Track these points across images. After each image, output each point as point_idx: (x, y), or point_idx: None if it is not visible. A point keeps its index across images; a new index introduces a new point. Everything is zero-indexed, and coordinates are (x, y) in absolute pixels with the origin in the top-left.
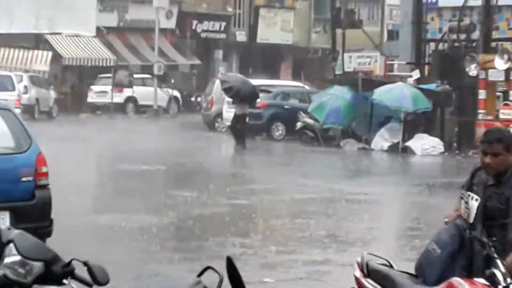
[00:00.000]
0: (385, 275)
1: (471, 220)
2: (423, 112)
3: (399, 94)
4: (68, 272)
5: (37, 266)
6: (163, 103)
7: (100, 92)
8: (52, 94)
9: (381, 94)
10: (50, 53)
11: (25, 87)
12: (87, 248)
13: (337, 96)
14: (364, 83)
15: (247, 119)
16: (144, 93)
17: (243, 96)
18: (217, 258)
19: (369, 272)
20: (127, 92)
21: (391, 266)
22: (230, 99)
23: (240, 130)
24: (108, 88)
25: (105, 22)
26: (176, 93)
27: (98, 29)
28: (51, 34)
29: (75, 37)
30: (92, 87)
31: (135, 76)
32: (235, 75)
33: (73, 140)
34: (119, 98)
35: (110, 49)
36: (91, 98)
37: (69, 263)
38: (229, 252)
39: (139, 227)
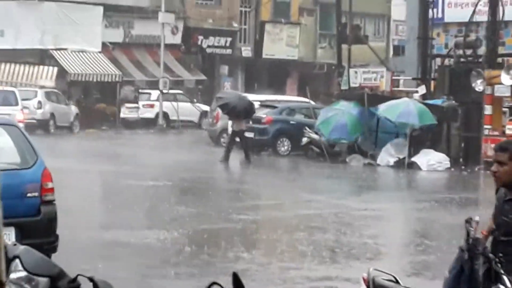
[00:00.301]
0: None
1: (476, 235)
2: (429, 128)
3: (404, 110)
4: (74, 287)
5: (43, 282)
6: (195, 118)
7: (132, 107)
8: (73, 109)
9: (386, 110)
10: (56, 69)
11: (39, 102)
12: (92, 264)
13: (343, 111)
14: (370, 99)
15: (246, 134)
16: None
17: (238, 112)
18: (222, 273)
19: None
20: (157, 107)
21: (397, 282)
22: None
23: (243, 146)
24: (141, 103)
25: (111, 38)
26: (206, 107)
27: (103, 44)
28: (56, 49)
29: (80, 52)
30: (126, 103)
31: (169, 91)
32: (231, 92)
33: (76, 156)
34: (150, 113)
35: (116, 65)
36: (123, 113)
37: (75, 279)
38: (234, 268)
39: (144, 243)
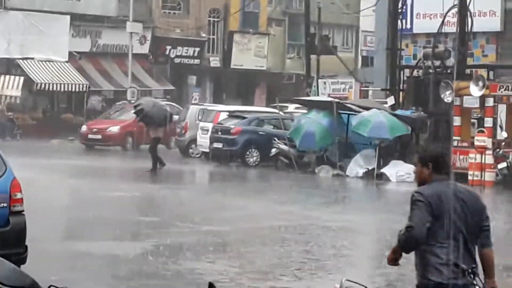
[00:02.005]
0: None
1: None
2: (399, 138)
3: (375, 124)
4: None
5: None
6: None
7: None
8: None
9: (358, 125)
10: (22, 78)
11: None
12: (62, 275)
13: (313, 120)
14: (338, 108)
15: (159, 142)
16: None
17: (151, 119)
18: (193, 285)
19: None
20: None
21: None
22: (204, 125)
23: (153, 153)
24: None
25: (78, 47)
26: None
27: (70, 54)
28: (23, 59)
29: (47, 62)
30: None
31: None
32: (148, 99)
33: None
34: None
35: (83, 74)
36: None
37: None
38: (205, 279)
39: (113, 254)
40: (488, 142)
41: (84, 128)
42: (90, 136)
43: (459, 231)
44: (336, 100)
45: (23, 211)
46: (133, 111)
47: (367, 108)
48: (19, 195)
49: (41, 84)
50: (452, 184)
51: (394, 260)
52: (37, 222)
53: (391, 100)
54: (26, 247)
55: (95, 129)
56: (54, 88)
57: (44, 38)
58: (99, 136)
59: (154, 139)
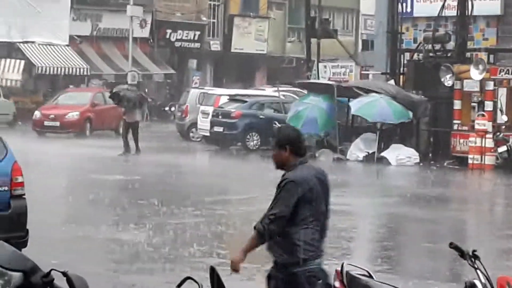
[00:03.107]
0: (365, 286)
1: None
2: (399, 122)
3: (379, 108)
4: (48, 282)
5: (16, 276)
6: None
7: None
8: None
9: (361, 109)
10: (23, 62)
11: None
12: (63, 259)
13: (313, 105)
14: (339, 91)
15: (136, 126)
16: None
17: (129, 102)
18: (195, 268)
19: (348, 282)
20: None
21: (370, 276)
22: (204, 109)
23: (134, 137)
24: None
25: (78, 31)
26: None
27: (71, 38)
28: (23, 42)
29: (48, 45)
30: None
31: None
32: (124, 86)
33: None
34: None
35: (83, 58)
36: None
37: (49, 273)
38: (207, 263)
39: (116, 238)
40: (488, 126)
41: (37, 114)
42: (46, 123)
43: (321, 212)
44: (336, 83)
45: (24, 194)
46: (109, 96)
47: (368, 90)
48: (20, 179)
49: (41, 67)
50: (312, 166)
51: (240, 262)
52: (37, 206)
53: (391, 84)
54: (27, 230)
55: (52, 116)
56: (55, 72)
57: (45, 22)
58: (57, 123)
59: (130, 124)
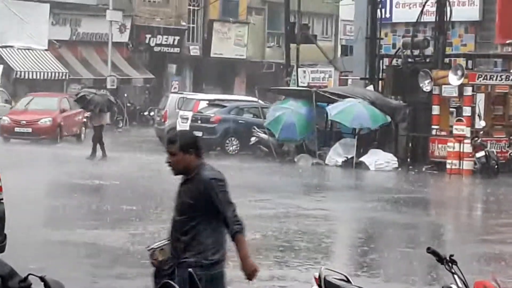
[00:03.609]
0: None
1: None
2: (378, 127)
3: (356, 114)
4: (25, 287)
5: None
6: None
7: None
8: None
9: (339, 115)
10: (1, 66)
11: None
12: (41, 264)
13: (292, 110)
14: (318, 97)
15: (103, 130)
16: None
17: (96, 106)
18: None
19: (326, 287)
20: None
21: (348, 281)
22: (184, 113)
23: (99, 140)
24: None
25: (58, 36)
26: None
27: (50, 42)
28: (2, 47)
29: (27, 50)
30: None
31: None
32: (91, 90)
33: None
34: None
35: (62, 63)
36: None
37: (26, 278)
38: None
39: (93, 243)
40: (466, 131)
41: (6, 120)
42: (17, 129)
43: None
44: (315, 89)
45: (2, 199)
46: (75, 99)
47: (346, 96)
48: None
49: (20, 72)
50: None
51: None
52: (15, 210)
53: (370, 89)
54: (5, 235)
55: (23, 122)
56: (34, 77)
57: (24, 26)
58: (29, 129)
59: (98, 127)
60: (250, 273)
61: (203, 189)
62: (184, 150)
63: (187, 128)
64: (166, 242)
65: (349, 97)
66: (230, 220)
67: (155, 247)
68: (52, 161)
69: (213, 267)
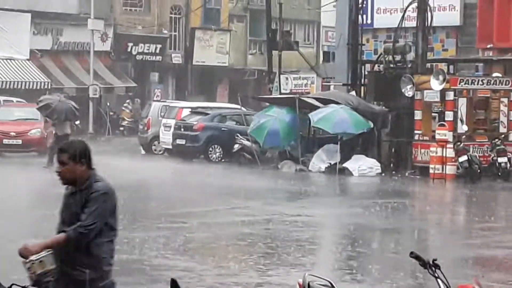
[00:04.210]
0: None
1: None
2: (360, 133)
3: (338, 119)
4: None
5: None
6: None
7: None
8: None
9: (321, 121)
10: None
11: None
12: (23, 274)
13: (276, 118)
14: (301, 104)
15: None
16: None
17: (58, 115)
18: (156, 281)
19: None
20: None
21: (332, 287)
22: (167, 121)
23: (54, 148)
24: None
25: (39, 45)
26: None
27: (32, 52)
28: None
29: (8, 60)
30: None
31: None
32: (54, 96)
33: None
34: None
35: (45, 72)
36: None
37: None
38: (169, 276)
39: None
40: (449, 136)
41: None
42: (6, 141)
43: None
44: (297, 96)
45: None
46: (37, 107)
47: (329, 101)
48: None
49: (2, 82)
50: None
51: (32, 253)
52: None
53: (353, 95)
54: None
55: (12, 133)
56: (15, 86)
57: (5, 36)
58: (19, 141)
59: (60, 137)
60: (22, 250)
61: (88, 199)
62: (75, 160)
63: (170, 136)
64: (45, 254)
65: (331, 102)
66: (78, 226)
67: (34, 259)
68: (29, 170)
69: (105, 278)
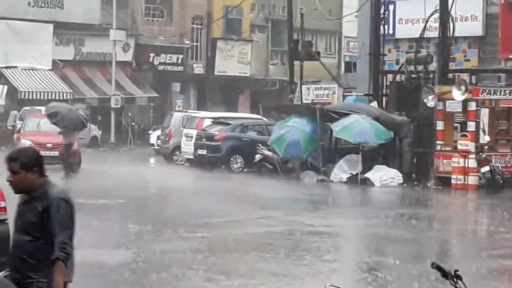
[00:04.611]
0: None
1: None
2: (382, 143)
3: (360, 130)
4: None
5: None
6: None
7: None
8: None
9: (342, 131)
10: (6, 87)
11: None
12: None
13: (296, 128)
14: (322, 114)
15: (73, 147)
16: None
17: (67, 124)
18: None
19: None
20: None
21: None
22: (188, 132)
23: (65, 157)
24: None
25: (62, 55)
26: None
27: (54, 62)
28: (6, 67)
29: (31, 70)
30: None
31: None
32: (63, 104)
33: None
34: None
35: (67, 82)
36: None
37: None
38: (191, 286)
39: (97, 262)
40: (471, 146)
41: (27, 143)
42: (43, 153)
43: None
44: (319, 106)
45: (6, 219)
46: (46, 113)
47: (349, 113)
48: (3, 204)
49: (24, 92)
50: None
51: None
52: None
53: (374, 105)
54: None
55: (49, 145)
56: (38, 97)
57: (28, 47)
58: (56, 153)
59: (66, 146)
60: None
61: (47, 207)
62: (26, 168)
63: (191, 146)
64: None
65: (353, 113)
66: (58, 245)
67: None
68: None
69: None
